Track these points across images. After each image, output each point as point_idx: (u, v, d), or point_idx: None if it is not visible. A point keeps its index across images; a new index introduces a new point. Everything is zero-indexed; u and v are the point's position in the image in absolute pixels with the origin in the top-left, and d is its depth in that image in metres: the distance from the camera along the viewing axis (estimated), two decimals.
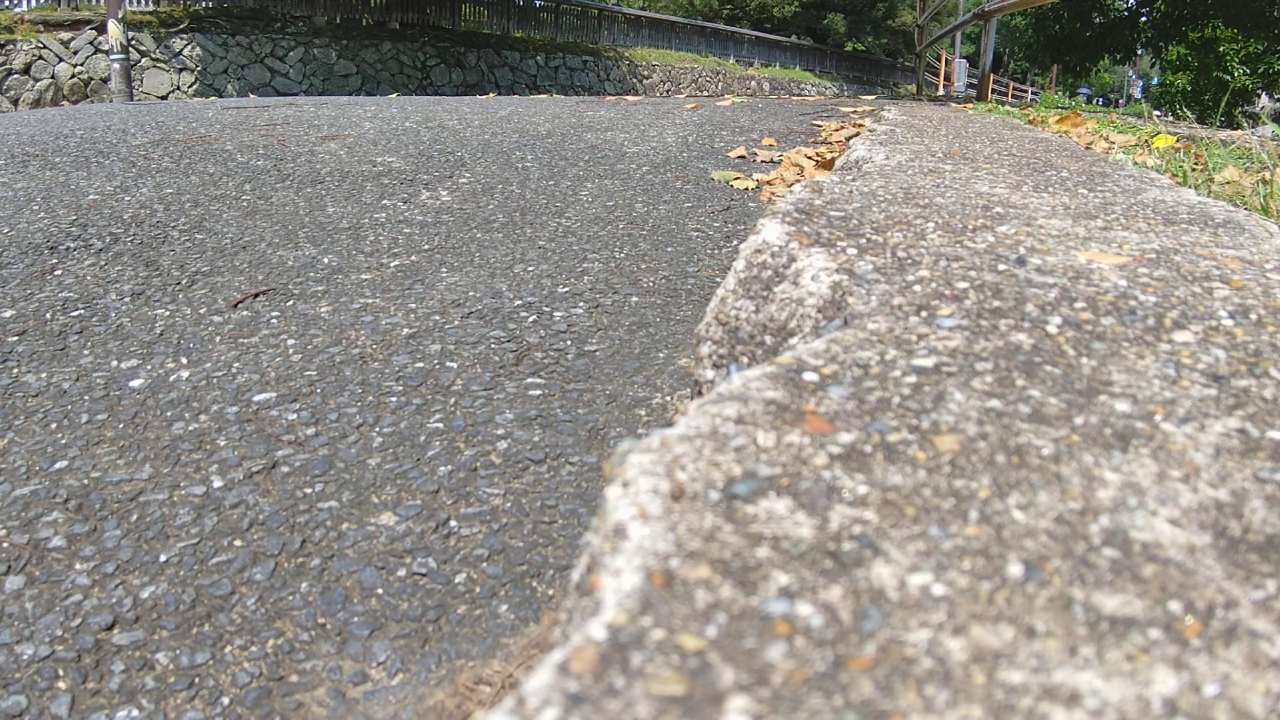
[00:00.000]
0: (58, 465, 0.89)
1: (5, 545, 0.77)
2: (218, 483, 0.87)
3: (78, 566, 0.75)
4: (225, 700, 0.64)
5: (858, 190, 0.95)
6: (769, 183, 2.07)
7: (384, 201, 1.80)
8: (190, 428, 0.96)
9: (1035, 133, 1.98)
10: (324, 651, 0.68)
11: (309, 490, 0.86)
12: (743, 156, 2.40)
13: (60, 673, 0.65)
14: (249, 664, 0.67)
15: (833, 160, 2.13)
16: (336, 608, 0.73)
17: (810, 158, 2.29)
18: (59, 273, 1.35)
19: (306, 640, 0.69)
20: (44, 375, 1.06)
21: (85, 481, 0.86)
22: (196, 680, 0.65)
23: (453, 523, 0.83)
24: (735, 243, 1.64)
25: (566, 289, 1.38)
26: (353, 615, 0.72)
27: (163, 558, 0.77)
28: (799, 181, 2.05)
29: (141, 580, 0.74)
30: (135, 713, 0.62)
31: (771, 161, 2.36)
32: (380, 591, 0.74)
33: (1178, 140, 1.98)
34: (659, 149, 2.46)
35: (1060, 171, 1.19)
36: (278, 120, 2.68)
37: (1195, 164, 1.78)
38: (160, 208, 1.68)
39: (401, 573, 0.76)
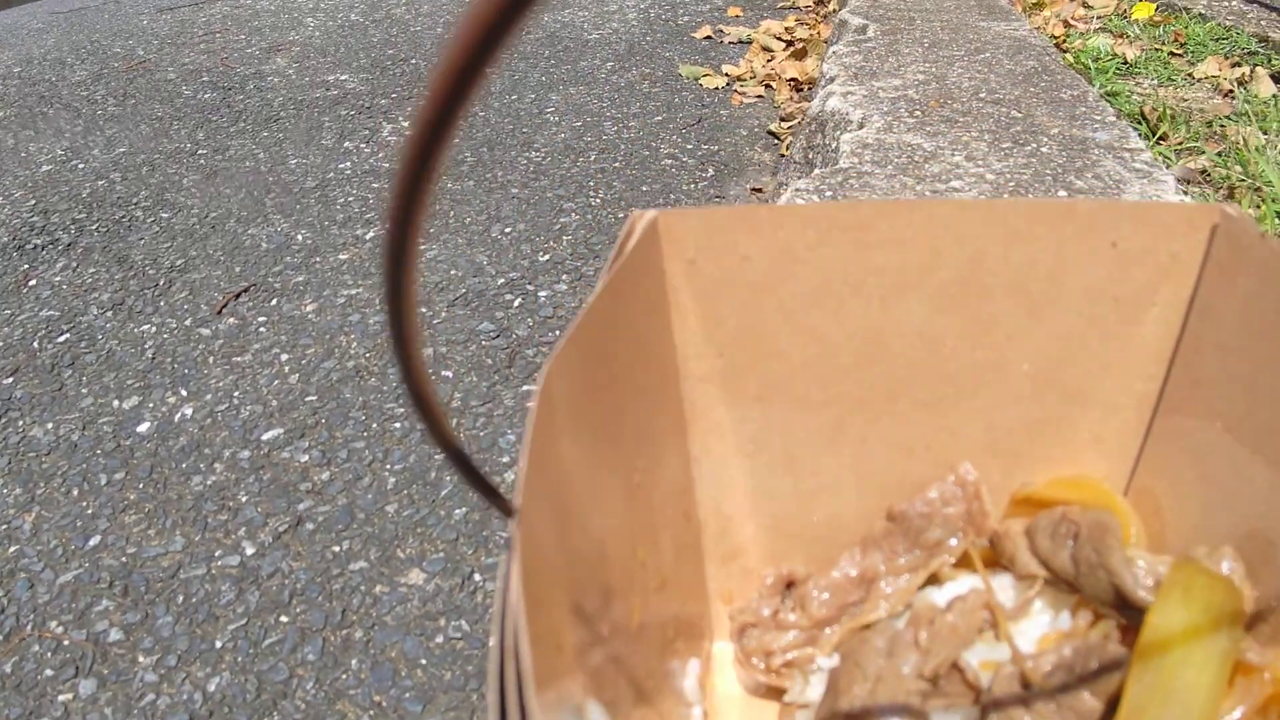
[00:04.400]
0: (92, 542, 0.93)
1: (68, 643, 0.83)
2: (250, 550, 0.91)
3: (141, 660, 0.81)
4: None
5: None
6: (739, 79, 2.00)
7: (345, 145, 1.74)
8: (209, 482, 0.99)
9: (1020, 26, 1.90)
10: None
11: (337, 549, 0.91)
12: (709, 37, 2.30)
13: None
14: None
15: (805, 47, 2.05)
16: (388, 684, 0.79)
17: (780, 37, 2.19)
18: (34, 283, 1.33)
19: None
20: (50, 426, 1.07)
21: (124, 559, 0.91)
22: None
23: (476, 576, 0.88)
24: (711, 171, 1.62)
25: (547, 256, 1.38)
26: (404, 691, 0.79)
27: (218, 644, 0.82)
28: (770, 75, 1.98)
29: (204, 671, 0.80)
30: None
31: (741, 42, 2.26)
32: (424, 662, 0.81)
33: (1158, 9, 1.91)
34: (622, 32, 2.34)
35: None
36: (216, 26, 2.51)
37: (1175, 46, 1.73)
38: (118, 176, 1.62)
39: (440, 639, 0.83)
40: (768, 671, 0.43)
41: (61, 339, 1.22)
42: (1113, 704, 0.31)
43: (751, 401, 0.41)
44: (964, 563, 0.41)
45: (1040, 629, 0.37)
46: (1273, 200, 1.14)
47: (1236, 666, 0.33)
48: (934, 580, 0.41)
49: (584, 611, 0.30)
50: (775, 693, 0.44)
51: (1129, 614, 0.34)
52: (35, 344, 1.21)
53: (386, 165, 1.66)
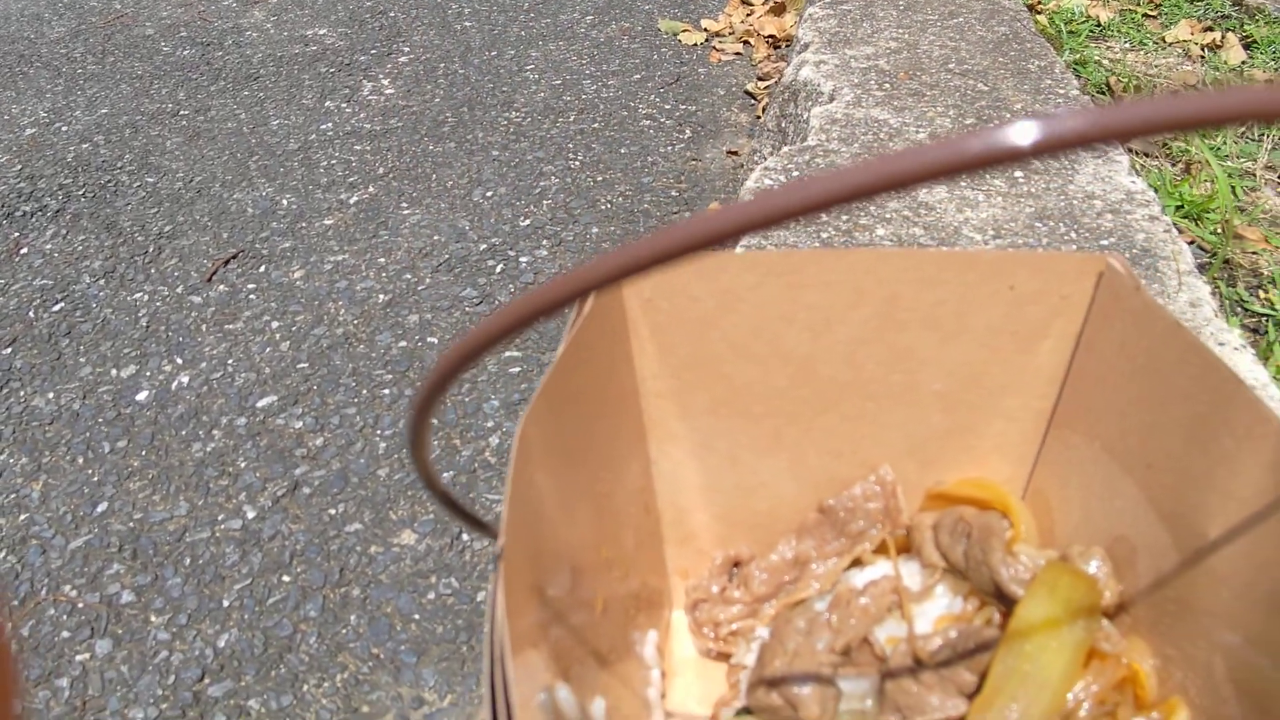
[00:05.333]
0: (100, 508, 0.99)
1: (82, 606, 0.90)
2: (250, 513, 0.98)
3: (153, 620, 0.88)
4: None
5: None
6: (718, 34, 2.02)
7: (327, 104, 1.76)
8: (208, 448, 1.05)
9: None
10: (384, 681, 0.84)
11: (333, 512, 0.98)
12: None
13: None
14: (326, 700, 0.82)
15: (784, 1, 2.06)
16: (385, 637, 0.87)
17: None
18: (25, 251, 1.36)
19: (367, 672, 0.84)
20: (51, 396, 1.13)
21: (131, 525, 0.97)
22: None
23: (464, 536, 0.96)
24: (688, 133, 1.66)
25: (527, 221, 1.42)
26: (399, 644, 0.87)
27: (225, 603, 0.90)
28: (748, 30, 2.01)
29: (214, 629, 0.87)
30: None
31: None
32: (417, 617, 0.89)
33: None
34: None
35: None
36: None
37: (1149, 8, 1.77)
38: (101, 139, 1.64)
39: (431, 595, 0.91)
40: (716, 639, 0.50)
41: (57, 308, 1.26)
42: (986, 679, 0.39)
43: (702, 414, 0.47)
44: (882, 550, 0.48)
45: (939, 610, 0.44)
46: (1227, 176, 1.20)
47: (1092, 653, 0.40)
48: (857, 564, 0.48)
49: (556, 607, 0.37)
50: (724, 656, 0.52)
51: (1007, 604, 0.41)
52: (31, 314, 1.26)
53: (368, 127, 1.68)
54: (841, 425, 0.47)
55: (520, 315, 0.19)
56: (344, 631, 0.88)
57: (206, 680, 0.84)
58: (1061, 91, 1.30)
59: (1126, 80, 1.49)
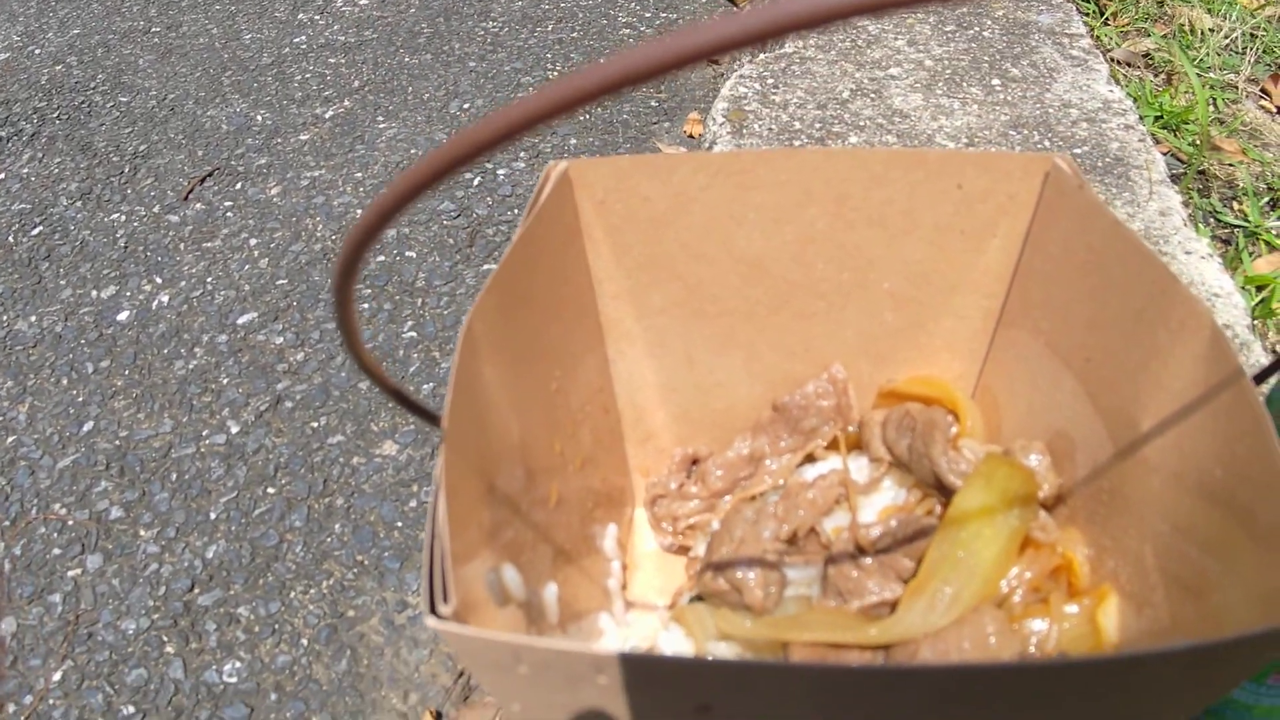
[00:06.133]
0: (86, 428, 1.00)
1: (71, 523, 0.92)
2: (234, 428, 1.00)
3: (142, 534, 0.91)
4: (304, 641, 0.83)
5: None
6: None
7: (300, 16, 1.71)
8: (191, 366, 1.06)
9: None
10: (369, 587, 0.87)
11: (315, 425, 1.00)
12: None
13: (165, 640, 0.83)
14: (313, 606, 0.85)
15: None
16: (369, 545, 0.90)
17: None
18: (2, 176, 1.35)
19: (352, 579, 0.87)
20: (34, 319, 1.13)
21: (117, 442, 0.99)
22: (276, 627, 0.84)
23: None
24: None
25: None
26: (383, 551, 0.89)
27: (212, 515, 0.92)
28: None
29: (202, 541, 0.90)
30: (238, 664, 0.81)
31: None
32: (400, 525, 0.91)
33: None
34: None
35: None
36: None
37: None
38: (74, 60, 1.60)
39: (413, 504, 0.93)
40: (675, 534, 0.52)
41: (35, 232, 1.26)
42: (921, 565, 0.40)
43: (657, 314, 0.48)
44: (834, 446, 0.49)
45: (885, 502, 0.46)
46: (1206, 87, 1.18)
47: (1028, 542, 0.42)
48: (810, 459, 0.50)
49: (505, 495, 0.38)
50: (684, 550, 0.54)
51: (948, 495, 0.43)
52: (10, 238, 1.25)
53: (343, 39, 1.65)
54: (794, 324, 0.48)
55: (443, 162, 0.19)
56: (329, 540, 0.90)
57: (196, 590, 0.86)
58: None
59: None
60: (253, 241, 1.23)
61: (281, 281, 1.17)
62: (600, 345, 0.49)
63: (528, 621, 0.36)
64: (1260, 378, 0.40)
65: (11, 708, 0.80)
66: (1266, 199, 1.02)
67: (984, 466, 0.42)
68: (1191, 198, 1.01)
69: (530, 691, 0.27)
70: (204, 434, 0.99)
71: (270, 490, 0.94)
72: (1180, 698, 0.33)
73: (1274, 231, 0.97)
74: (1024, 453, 0.44)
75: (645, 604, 0.50)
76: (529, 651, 0.24)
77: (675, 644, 0.47)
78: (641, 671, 0.24)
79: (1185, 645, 0.27)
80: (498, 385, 0.37)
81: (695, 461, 0.53)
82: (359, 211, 1.26)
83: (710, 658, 0.41)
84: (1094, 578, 0.45)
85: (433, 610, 0.27)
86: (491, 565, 0.34)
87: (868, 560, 0.41)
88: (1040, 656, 0.39)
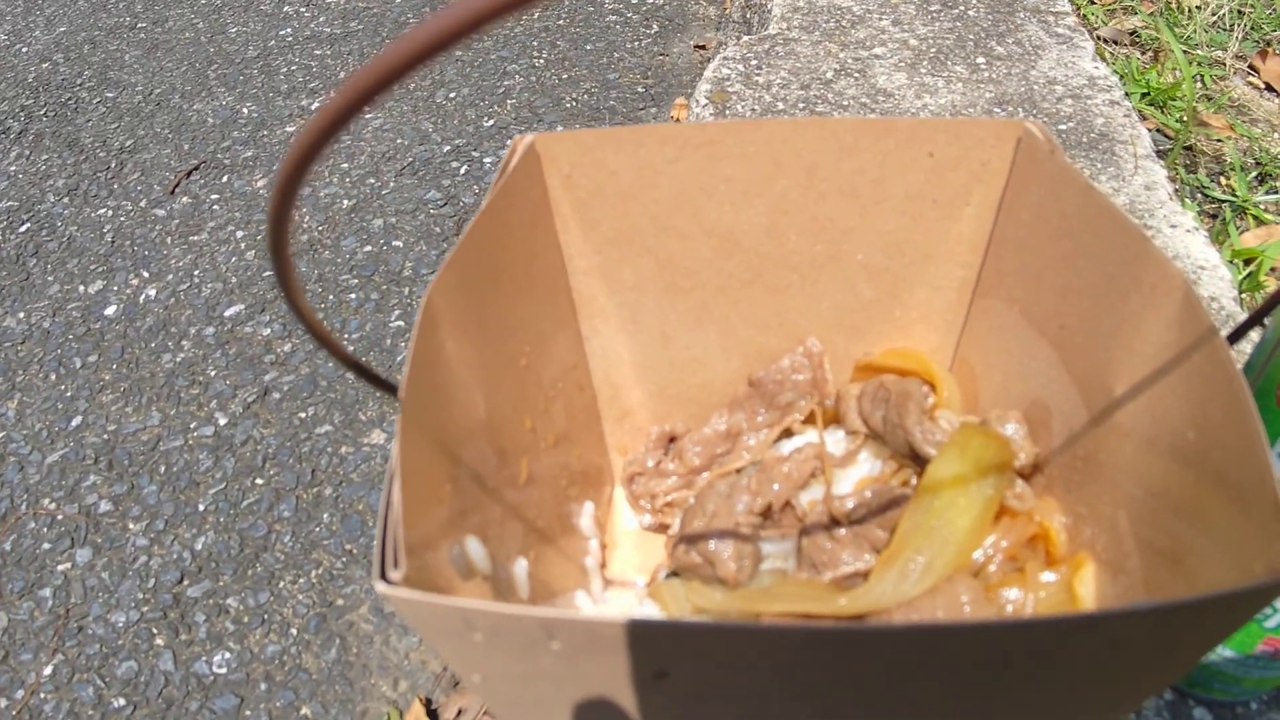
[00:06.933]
0: (74, 423, 1.00)
1: (61, 518, 0.92)
2: (222, 420, 0.99)
3: (131, 527, 0.91)
4: (294, 630, 0.83)
5: None
6: None
7: (285, 8, 1.71)
8: (178, 359, 1.06)
9: None
10: (357, 576, 0.86)
11: (303, 415, 1.00)
12: None
13: (154, 632, 0.83)
14: (302, 595, 0.85)
15: None
16: (357, 533, 0.90)
17: None
18: None
19: (341, 567, 0.87)
20: (22, 316, 1.13)
21: (106, 436, 0.98)
22: (265, 617, 0.84)
23: None
24: (655, 28, 1.62)
25: (491, 121, 1.40)
26: (371, 540, 0.89)
27: (201, 507, 0.92)
28: None
29: (191, 533, 0.90)
30: (227, 655, 0.81)
31: None
32: None
33: None
34: None
35: None
36: None
37: None
38: (60, 57, 1.59)
39: None
40: (653, 511, 0.52)
41: (23, 229, 1.25)
42: (894, 534, 0.40)
43: (628, 290, 0.48)
44: (811, 420, 0.49)
45: (861, 474, 0.45)
46: (1193, 64, 1.18)
47: (1004, 511, 0.42)
48: (787, 434, 0.50)
49: (470, 470, 0.38)
50: (663, 528, 0.54)
51: (922, 466, 0.43)
52: None
53: (328, 30, 1.64)
54: (768, 297, 0.47)
55: (367, 84, 0.18)
56: (317, 529, 0.90)
57: (185, 582, 0.86)
58: None
59: None
60: (239, 234, 1.23)
61: (268, 273, 1.16)
62: (573, 322, 0.49)
63: (496, 596, 0.36)
64: (1235, 336, 0.40)
65: (3, 702, 0.80)
66: (1255, 173, 1.01)
67: (958, 436, 0.41)
68: (1178, 173, 1.01)
69: (487, 661, 0.27)
70: (192, 426, 0.99)
71: (259, 481, 0.94)
72: (1152, 662, 0.33)
73: (1262, 206, 0.97)
74: (1000, 422, 0.44)
75: (624, 582, 0.49)
76: (480, 616, 0.24)
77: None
78: (594, 635, 0.24)
79: (1149, 604, 0.26)
80: (461, 360, 0.37)
81: (673, 439, 0.53)
82: (345, 201, 1.26)
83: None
84: (1071, 546, 0.45)
85: (383, 576, 0.26)
86: (454, 539, 0.34)
87: (842, 531, 0.41)
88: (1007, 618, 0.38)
